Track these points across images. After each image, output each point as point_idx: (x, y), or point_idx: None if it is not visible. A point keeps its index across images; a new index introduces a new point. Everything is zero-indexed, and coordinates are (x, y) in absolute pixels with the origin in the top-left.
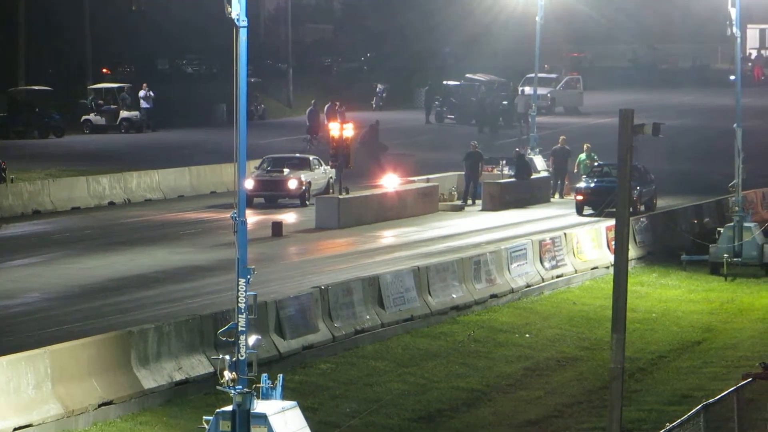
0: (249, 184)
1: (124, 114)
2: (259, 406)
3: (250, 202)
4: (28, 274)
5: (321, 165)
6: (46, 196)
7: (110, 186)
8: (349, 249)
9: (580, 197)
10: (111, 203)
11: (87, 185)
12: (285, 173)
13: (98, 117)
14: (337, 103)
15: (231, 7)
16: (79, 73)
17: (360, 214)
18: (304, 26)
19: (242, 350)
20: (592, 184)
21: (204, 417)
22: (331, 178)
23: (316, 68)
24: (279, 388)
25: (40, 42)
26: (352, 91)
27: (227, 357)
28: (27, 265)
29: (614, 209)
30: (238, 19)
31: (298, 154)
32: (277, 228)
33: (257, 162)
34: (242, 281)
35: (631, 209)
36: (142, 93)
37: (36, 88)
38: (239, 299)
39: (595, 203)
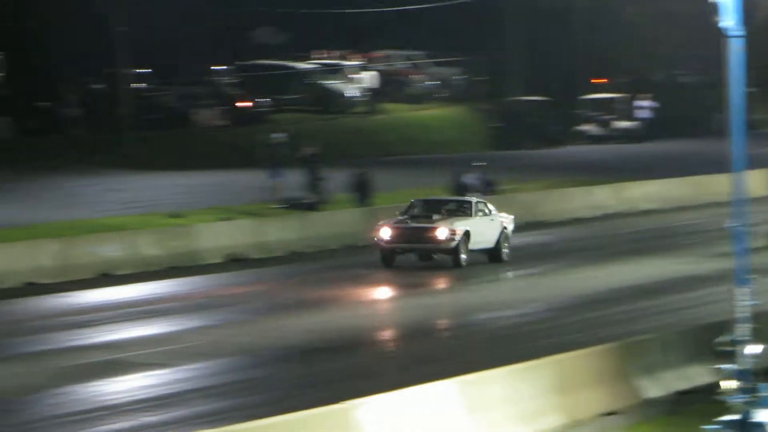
0: (386, 233)
1: (620, 124)
2: (759, 415)
3: (392, 257)
4: (529, 284)
5: (491, 212)
6: (545, 207)
7: (606, 197)
8: None
9: None
10: (609, 214)
11: (583, 195)
12: (433, 220)
13: (594, 127)
14: None
15: (720, 17)
16: (574, 83)
17: None
18: None
19: (743, 359)
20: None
21: (701, 426)
22: (505, 228)
23: None
24: None
25: (535, 52)
26: None
27: (728, 366)
28: (527, 275)
29: None
30: (728, 30)
31: (457, 197)
32: None
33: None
34: (742, 290)
35: None
36: (643, 103)
37: (533, 98)
38: (739, 308)
39: None
